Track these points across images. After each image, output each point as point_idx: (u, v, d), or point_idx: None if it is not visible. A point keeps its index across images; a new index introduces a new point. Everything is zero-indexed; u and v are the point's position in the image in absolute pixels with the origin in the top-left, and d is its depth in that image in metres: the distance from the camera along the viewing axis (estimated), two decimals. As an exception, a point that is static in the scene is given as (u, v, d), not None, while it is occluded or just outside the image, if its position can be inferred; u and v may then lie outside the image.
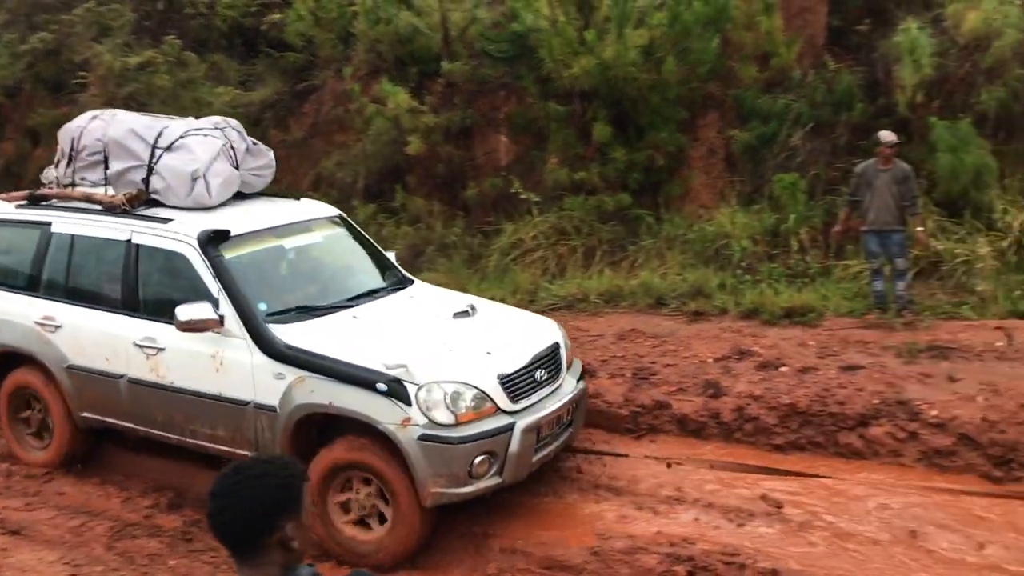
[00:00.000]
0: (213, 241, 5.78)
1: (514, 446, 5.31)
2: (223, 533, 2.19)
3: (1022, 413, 6.17)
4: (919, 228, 8.24)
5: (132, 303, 6.12)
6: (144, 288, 6.11)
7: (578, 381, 6.10)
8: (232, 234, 5.90)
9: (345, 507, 5.44)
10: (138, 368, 6.04)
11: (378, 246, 7.09)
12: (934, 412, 6.34)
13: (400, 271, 6.90)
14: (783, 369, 7.22)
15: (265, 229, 6.25)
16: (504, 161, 11.38)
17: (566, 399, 5.82)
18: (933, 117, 9.29)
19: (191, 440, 5.96)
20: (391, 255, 7.01)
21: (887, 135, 8.11)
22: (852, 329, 8.03)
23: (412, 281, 6.77)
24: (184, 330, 5.56)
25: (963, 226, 9.14)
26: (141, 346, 6.00)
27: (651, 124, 10.45)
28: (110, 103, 11.58)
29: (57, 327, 6.42)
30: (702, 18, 10.05)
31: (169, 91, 12.29)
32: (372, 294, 6.32)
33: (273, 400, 5.50)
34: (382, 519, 5.38)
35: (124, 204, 6.19)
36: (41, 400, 6.67)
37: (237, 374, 5.62)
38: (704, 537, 5.43)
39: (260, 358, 5.52)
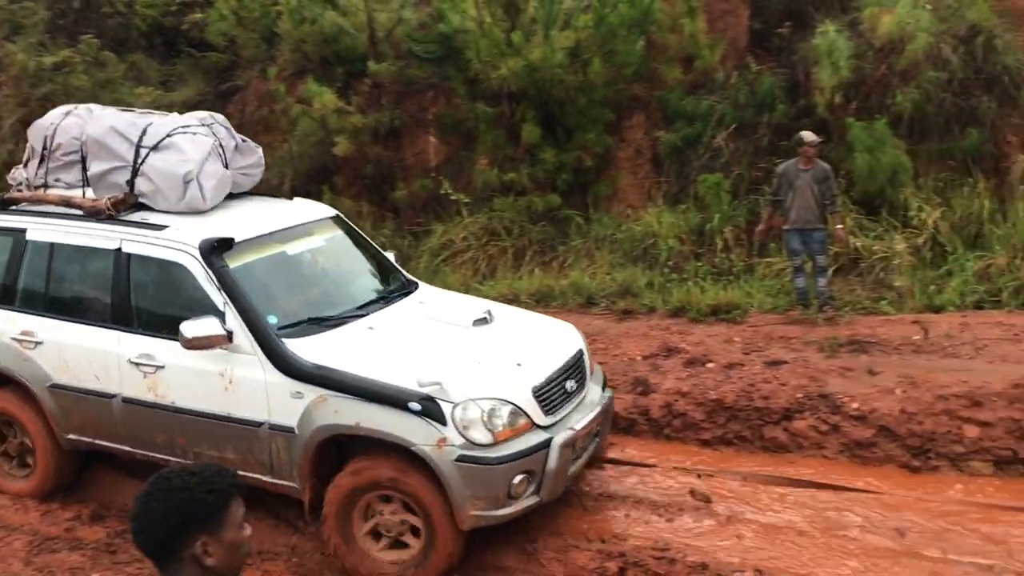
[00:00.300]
0: (217, 250, 5.34)
1: (552, 463, 5.01)
2: (138, 541, 2.19)
3: (938, 404, 6.37)
4: (839, 226, 8.47)
5: (124, 317, 5.65)
6: (138, 301, 5.65)
7: (604, 389, 5.85)
8: (235, 241, 5.48)
9: (373, 531, 5.12)
10: (134, 387, 5.59)
11: (377, 247, 6.73)
12: (855, 405, 6.51)
13: (403, 273, 6.53)
14: (710, 365, 7.35)
15: (267, 234, 5.79)
16: (433, 162, 11.36)
17: (597, 410, 5.54)
18: (851, 118, 9.55)
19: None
20: (390, 255, 6.63)
21: (810, 135, 8.30)
22: (775, 325, 8.23)
23: (417, 284, 6.37)
24: (191, 348, 5.15)
25: (880, 224, 9.42)
26: (137, 363, 5.54)
27: (579, 125, 10.55)
28: (24, 104, 11.22)
29: (37, 343, 5.91)
30: (627, 20, 10.18)
31: (87, 91, 11.91)
32: (381, 300, 5.93)
33: (290, 421, 5.12)
34: (414, 538, 5.09)
35: (109, 209, 5.70)
36: (19, 424, 6.15)
37: (248, 393, 5.22)
38: (634, 533, 5.50)
39: (275, 376, 5.13)
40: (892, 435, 6.31)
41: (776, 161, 9.16)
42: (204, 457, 5.47)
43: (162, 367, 5.48)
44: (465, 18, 10.59)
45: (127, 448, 5.85)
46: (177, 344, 5.21)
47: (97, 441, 5.94)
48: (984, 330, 7.60)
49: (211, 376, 5.31)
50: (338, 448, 5.20)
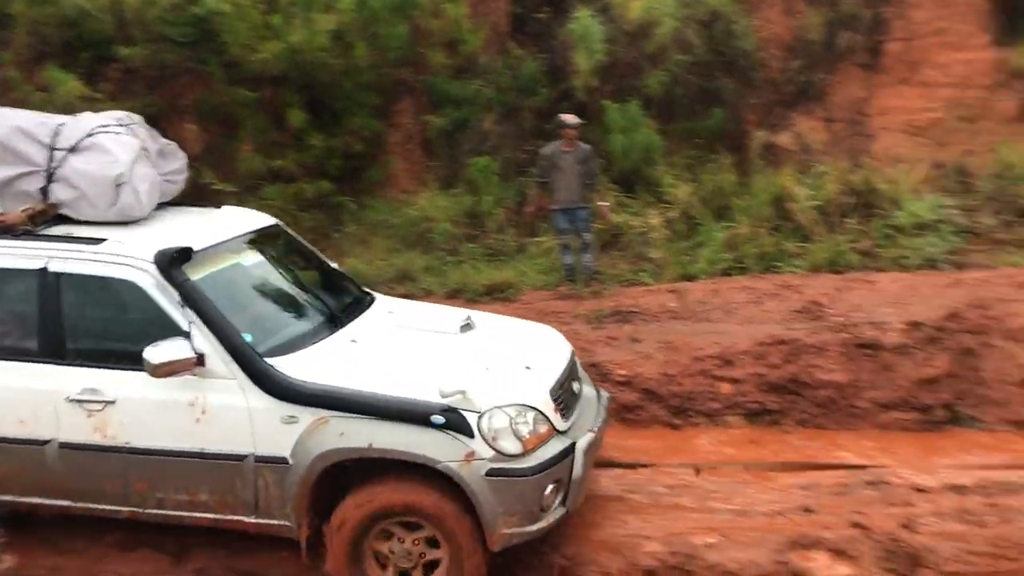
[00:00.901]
0: (176, 262, 4.69)
1: (577, 470, 4.67)
2: None
3: (695, 366, 6.88)
4: (602, 203, 8.89)
5: (57, 348, 4.85)
6: (75, 328, 4.86)
7: (597, 391, 5.55)
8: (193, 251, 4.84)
9: (380, 563, 4.65)
10: (75, 429, 4.78)
11: (323, 257, 6.15)
12: (621, 371, 6.91)
13: (356, 283, 6.04)
14: (486, 344, 7.52)
15: (221, 244, 5.18)
16: (194, 150, 10.82)
17: (604, 412, 5.27)
18: (606, 100, 10.04)
19: (157, 511, 4.81)
20: (334, 265, 6.12)
21: (570, 118, 8.64)
22: (547, 301, 8.57)
23: (372, 294, 5.86)
24: (159, 376, 4.49)
25: (637, 200, 9.99)
26: (79, 401, 4.76)
27: (346, 109, 10.43)
28: None
29: None
30: (389, 4, 10.15)
31: None
32: (348, 313, 5.38)
33: (282, 450, 4.53)
34: (430, 568, 4.61)
35: (24, 223, 4.95)
36: None
37: (227, 423, 4.59)
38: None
39: (261, 400, 4.55)
40: (655, 397, 6.76)
41: (541, 143, 9.45)
42: (170, 503, 4.77)
43: (112, 402, 4.75)
44: (220, 0, 10.16)
45: (64, 503, 4.95)
46: (129, 375, 4.64)
47: (22, 499, 5.02)
48: (732, 295, 8.24)
49: (177, 408, 4.65)
50: (335, 476, 4.68)
